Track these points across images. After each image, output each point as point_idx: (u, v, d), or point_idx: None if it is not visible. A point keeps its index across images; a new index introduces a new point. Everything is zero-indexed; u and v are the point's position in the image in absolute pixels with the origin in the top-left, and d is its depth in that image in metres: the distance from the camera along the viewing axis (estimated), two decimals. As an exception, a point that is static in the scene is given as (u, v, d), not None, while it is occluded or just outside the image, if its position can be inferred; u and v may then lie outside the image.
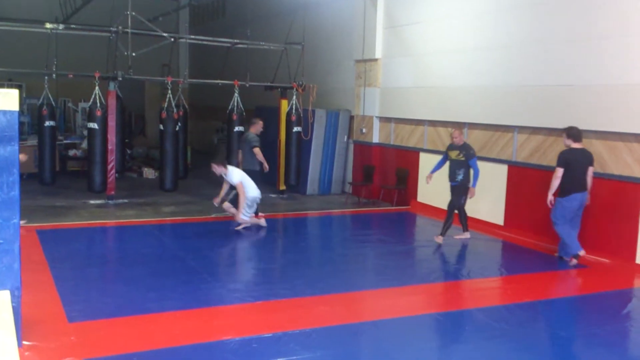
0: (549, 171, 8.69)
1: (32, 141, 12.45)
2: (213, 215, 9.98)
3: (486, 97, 9.70)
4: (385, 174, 12.25)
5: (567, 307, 6.42)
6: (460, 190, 8.58)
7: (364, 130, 12.50)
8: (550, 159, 8.73)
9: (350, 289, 6.56)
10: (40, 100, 11.28)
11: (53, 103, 11.41)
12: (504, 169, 9.43)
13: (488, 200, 9.70)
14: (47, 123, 11.17)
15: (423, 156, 11.14)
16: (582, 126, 8.01)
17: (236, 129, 11.60)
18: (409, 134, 11.65)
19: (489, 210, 9.72)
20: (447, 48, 10.54)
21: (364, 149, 12.66)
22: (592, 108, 8.00)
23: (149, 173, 14.38)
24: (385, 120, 12.27)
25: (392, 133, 12.11)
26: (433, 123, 10.95)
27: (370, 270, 7.73)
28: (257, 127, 9.91)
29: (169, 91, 11.15)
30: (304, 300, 6.07)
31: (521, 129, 9.20)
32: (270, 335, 5.05)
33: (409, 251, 8.67)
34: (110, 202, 10.72)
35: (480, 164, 9.53)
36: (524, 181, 9.15)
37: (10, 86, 14.26)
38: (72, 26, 11.66)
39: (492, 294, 6.74)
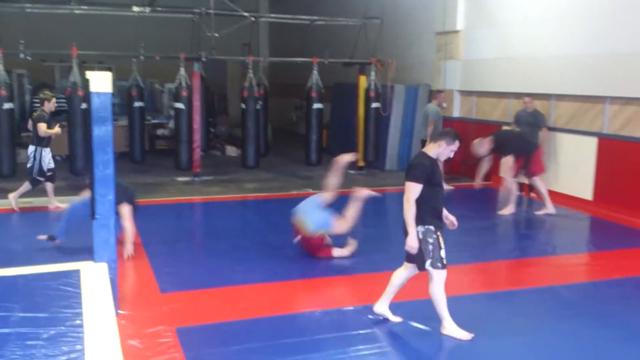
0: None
1: (123, 121, 13.04)
2: (294, 192, 10.17)
3: (575, 67, 9.26)
4: (466, 149, 11.98)
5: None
6: None
7: (444, 104, 12.26)
8: (644, 131, 8.28)
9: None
10: (129, 82, 11.76)
11: (141, 84, 11.88)
12: (593, 141, 9.02)
13: (575, 175, 9.34)
14: (136, 104, 11.66)
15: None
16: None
17: (315, 105, 11.66)
18: (491, 108, 11.34)
19: (575, 185, 9.36)
20: (532, 16, 10.13)
21: (444, 123, 12.39)
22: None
23: (232, 151, 14.74)
24: (466, 94, 11.98)
25: (474, 107, 11.83)
26: (518, 95, 10.60)
27: (452, 246, 7.56)
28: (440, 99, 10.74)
29: (250, 70, 11.34)
30: (384, 274, 6.09)
31: (613, 99, 8.75)
32: (352, 308, 5.14)
33: (492, 227, 8.50)
34: (196, 179, 11.10)
35: (568, 137, 9.21)
36: (616, 154, 8.73)
37: (100, 69, 14.93)
38: (158, 9, 12.04)
39: (579, 271, 6.53)
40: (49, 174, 8.51)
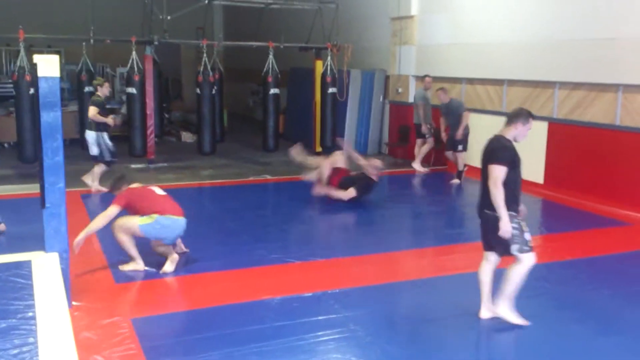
0: (591, 127, 8.50)
1: (73, 107, 12.67)
2: (251, 178, 10.12)
3: (526, 52, 9.44)
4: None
5: (611, 265, 6.31)
6: None
7: (399, 90, 12.34)
8: (592, 115, 8.51)
9: (388, 249, 6.58)
10: (79, 66, 11.44)
11: (92, 69, 11.56)
12: (544, 126, 9.23)
13: (526, 159, 9.52)
14: (86, 89, 11.34)
15: (461, 115, 10.97)
16: (625, 80, 7.77)
17: (271, 91, 11.57)
18: (446, 93, 11.46)
19: (527, 169, 9.54)
20: (485, 3, 10.26)
21: (400, 109, 12.52)
22: (637, 62, 7.73)
23: (187, 137, 14.54)
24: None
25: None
26: (471, 81, 10.75)
27: (408, 230, 7.74)
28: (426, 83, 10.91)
29: (205, 54, 11.16)
30: (342, 260, 6.14)
31: (562, 84, 8.96)
32: (310, 294, 5.14)
33: (447, 211, 8.63)
34: (150, 166, 10.91)
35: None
36: (565, 138, 8.96)
37: (49, 52, 14.46)
38: (108, -9, 11.73)
39: (532, 253, 6.68)
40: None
